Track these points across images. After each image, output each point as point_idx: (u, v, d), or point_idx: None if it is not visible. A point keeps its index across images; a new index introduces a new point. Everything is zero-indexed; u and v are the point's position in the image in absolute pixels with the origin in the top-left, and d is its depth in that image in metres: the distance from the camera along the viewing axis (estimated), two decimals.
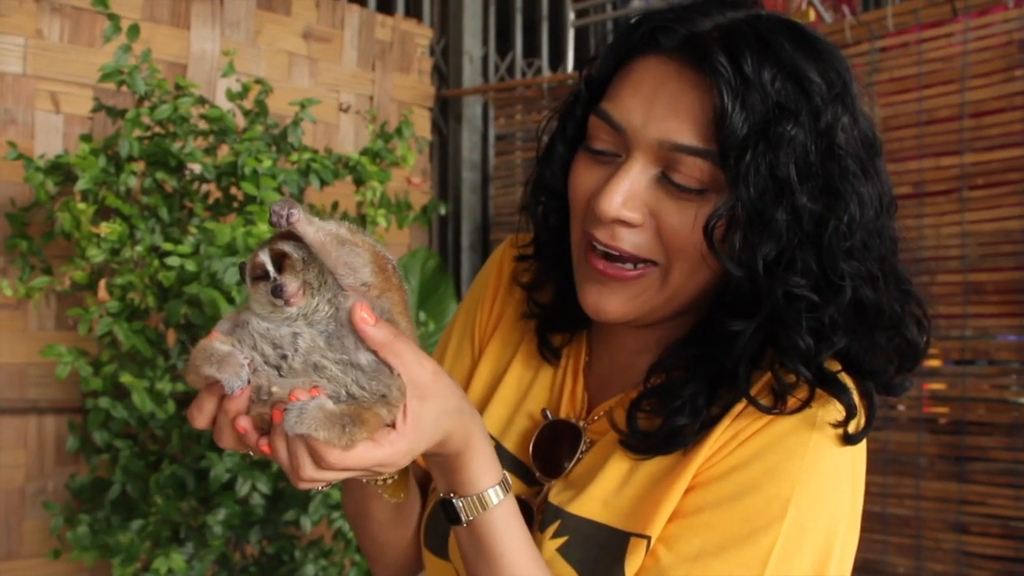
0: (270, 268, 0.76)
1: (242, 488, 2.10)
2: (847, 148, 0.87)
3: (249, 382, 0.76)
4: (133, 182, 2.23)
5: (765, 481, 0.89)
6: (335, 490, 2.24)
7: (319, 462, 0.75)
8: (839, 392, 0.91)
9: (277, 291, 0.76)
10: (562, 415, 1.07)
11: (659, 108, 0.88)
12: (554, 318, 1.10)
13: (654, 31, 0.91)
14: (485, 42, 3.83)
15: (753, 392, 0.92)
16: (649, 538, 0.91)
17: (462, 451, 0.87)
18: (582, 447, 1.03)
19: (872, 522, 2.63)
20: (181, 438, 2.23)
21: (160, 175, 2.27)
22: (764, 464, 0.89)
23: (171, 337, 2.23)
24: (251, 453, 0.82)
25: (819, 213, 0.86)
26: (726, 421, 0.92)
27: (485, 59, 3.84)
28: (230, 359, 0.76)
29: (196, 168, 2.33)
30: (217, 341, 0.78)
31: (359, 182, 2.58)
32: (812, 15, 2.89)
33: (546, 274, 1.10)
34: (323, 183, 2.43)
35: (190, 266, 2.14)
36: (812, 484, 0.88)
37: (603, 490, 0.97)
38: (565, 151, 1.00)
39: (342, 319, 0.78)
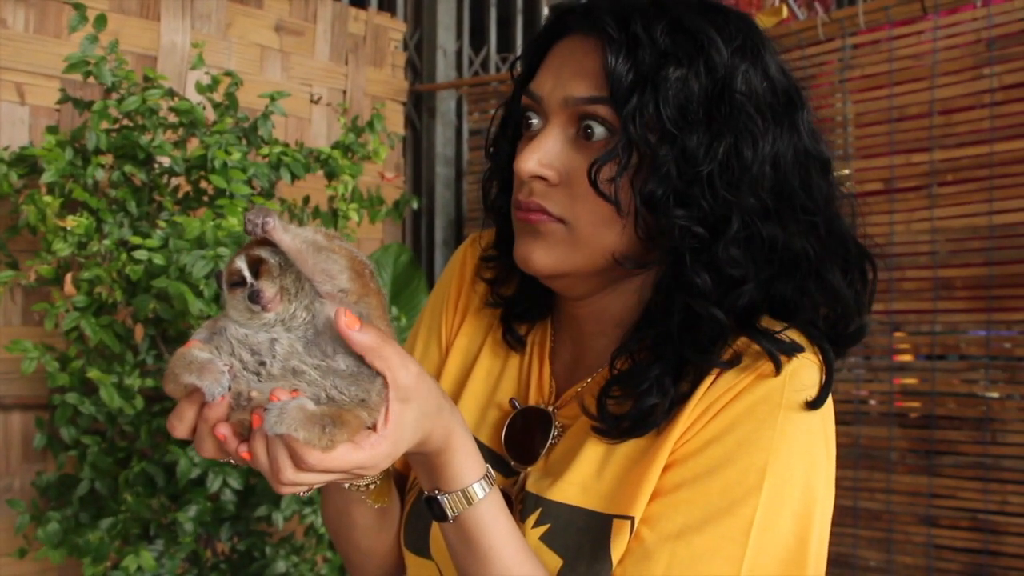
0: (247, 274, 0.77)
1: (213, 484, 2.07)
2: (747, 95, 0.90)
3: (230, 389, 0.76)
4: (101, 175, 2.19)
5: (739, 453, 0.90)
6: None
7: (299, 464, 0.75)
8: (758, 336, 0.93)
9: (254, 297, 0.76)
10: (531, 403, 1.08)
11: (565, 73, 0.94)
12: (517, 307, 1.13)
13: (562, 16, 0.99)
14: (459, 36, 3.82)
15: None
16: (632, 519, 0.92)
17: (443, 448, 0.87)
18: (554, 432, 1.04)
19: (843, 516, 2.65)
20: (150, 434, 2.20)
21: (128, 168, 2.24)
22: (736, 436, 0.90)
23: (139, 332, 2.20)
24: (231, 461, 0.81)
25: (708, 152, 0.89)
26: (696, 396, 0.93)
27: (459, 54, 3.83)
28: (210, 366, 0.76)
29: (165, 161, 2.30)
30: (196, 349, 0.78)
31: (331, 176, 2.55)
32: (785, 12, 2.91)
33: (509, 269, 1.12)
34: (294, 177, 2.41)
35: (158, 260, 2.11)
36: (785, 451, 0.89)
37: (581, 475, 0.97)
38: (508, 144, 1.05)
39: (319, 325, 0.79)
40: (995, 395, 2.52)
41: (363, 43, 3.38)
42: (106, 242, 2.18)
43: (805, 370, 0.93)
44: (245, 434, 0.77)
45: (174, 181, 2.40)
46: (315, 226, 0.80)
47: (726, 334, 0.93)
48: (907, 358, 2.74)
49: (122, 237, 2.20)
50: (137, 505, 2.12)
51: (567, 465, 0.98)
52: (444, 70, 3.72)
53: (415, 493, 1.07)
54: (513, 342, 1.12)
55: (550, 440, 1.03)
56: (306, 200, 2.62)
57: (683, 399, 0.94)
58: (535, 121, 0.98)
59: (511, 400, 1.09)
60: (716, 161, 0.89)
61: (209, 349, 0.78)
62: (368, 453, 0.77)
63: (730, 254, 0.91)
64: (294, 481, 0.77)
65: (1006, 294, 2.43)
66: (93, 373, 2.11)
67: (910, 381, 2.67)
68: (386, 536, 1.10)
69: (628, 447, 0.96)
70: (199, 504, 2.09)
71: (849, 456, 2.64)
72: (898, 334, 2.69)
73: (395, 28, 3.53)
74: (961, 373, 2.56)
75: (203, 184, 2.34)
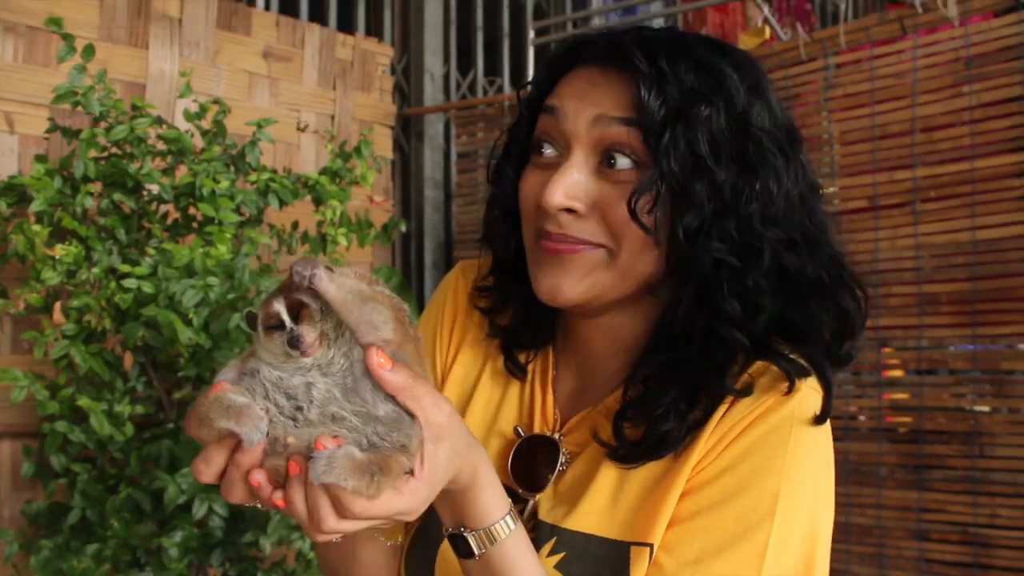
0: (286, 318, 0.75)
1: (199, 510, 2.07)
2: (764, 131, 0.96)
3: (267, 434, 0.75)
4: (89, 203, 2.20)
5: (753, 480, 0.92)
6: None
7: (343, 512, 0.74)
8: (776, 358, 0.96)
9: (294, 342, 0.75)
10: (535, 431, 1.08)
11: (590, 98, 0.97)
12: (518, 336, 1.12)
13: (578, 46, 1.01)
14: (446, 60, 3.85)
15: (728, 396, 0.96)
16: (651, 545, 0.93)
17: (471, 485, 0.87)
18: (562, 460, 1.04)
19: (835, 532, 2.62)
20: (140, 461, 2.20)
21: (117, 196, 2.25)
22: (751, 464, 0.93)
23: (129, 359, 2.20)
24: (259, 506, 0.80)
25: (736, 185, 0.93)
26: (711, 425, 0.95)
27: (446, 77, 3.86)
28: (248, 411, 0.74)
29: (154, 189, 2.31)
30: (231, 392, 0.76)
31: (318, 202, 2.57)
32: (768, 32, 2.94)
33: (505, 297, 1.12)
34: (282, 203, 2.43)
35: (147, 288, 2.12)
36: (795, 477, 0.93)
37: (597, 503, 0.98)
38: (512, 171, 1.05)
39: (357, 372, 0.78)
40: (984, 409, 2.53)
41: (351, 68, 3.41)
42: (95, 270, 2.19)
43: (811, 398, 0.96)
44: (279, 480, 0.76)
45: (163, 208, 2.41)
46: (352, 269, 0.79)
47: (744, 357, 0.96)
48: (898, 373, 2.76)
49: (111, 265, 2.21)
50: (125, 532, 2.11)
51: (581, 493, 0.99)
52: (432, 94, 3.75)
53: (417, 523, 1.06)
54: (515, 370, 1.12)
55: (558, 468, 1.04)
56: (295, 226, 2.64)
57: (697, 426, 0.96)
58: (549, 151, 0.99)
59: (515, 428, 1.09)
60: (748, 196, 0.93)
61: (241, 392, 0.76)
62: (409, 499, 0.76)
63: (759, 284, 0.95)
64: (336, 529, 0.75)
65: (990, 308, 2.45)
66: (83, 401, 2.12)
67: (899, 396, 2.68)
68: (390, 572, 1.09)
69: (643, 474, 0.97)
70: (185, 530, 2.09)
71: (840, 472, 2.63)
72: (886, 350, 2.70)
73: (382, 53, 3.56)
74: (949, 387, 2.58)
75: (192, 211, 2.36)
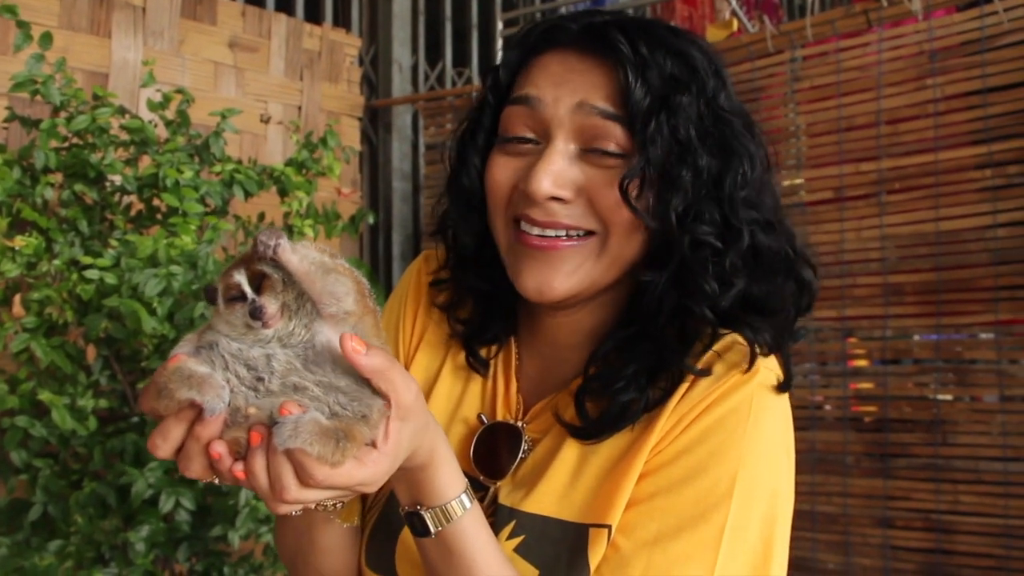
0: (247, 289, 0.75)
1: (165, 504, 2.04)
2: (732, 112, 0.99)
3: (228, 404, 0.74)
4: (50, 194, 2.16)
5: (711, 462, 0.93)
6: (262, 504, 2.19)
7: (306, 480, 0.73)
8: (741, 327, 0.99)
9: (256, 313, 0.74)
10: (499, 417, 1.08)
11: (570, 84, 0.97)
12: (479, 331, 1.12)
13: (550, 30, 1.01)
14: (415, 51, 3.83)
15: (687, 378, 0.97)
16: (609, 527, 0.94)
17: (428, 463, 0.87)
18: (524, 446, 1.04)
19: (801, 520, 2.68)
20: (104, 455, 2.17)
21: (79, 187, 2.21)
22: (708, 446, 0.94)
23: (91, 352, 2.17)
24: (216, 481, 0.79)
25: (717, 169, 0.97)
26: (669, 406, 0.96)
27: (415, 68, 3.84)
28: (210, 380, 0.73)
29: (117, 180, 2.27)
30: (192, 363, 0.75)
31: (283, 193, 2.54)
32: (735, 25, 2.96)
33: (464, 290, 1.12)
34: (247, 194, 2.40)
35: (110, 279, 2.08)
36: (753, 459, 0.93)
37: (555, 485, 0.98)
38: (479, 158, 1.05)
39: (318, 344, 0.77)
40: (947, 397, 2.57)
41: (318, 59, 3.38)
42: (56, 262, 2.15)
43: (770, 380, 0.97)
44: (240, 452, 0.75)
45: (126, 199, 2.37)
46: (313, 243, 0.79)
47: (711, 334, 0.98)
48: (864, 363, 2.79)
49: (73, 256, 2.17)
50: (89, 527, 2.08)
51: (539, 476, 1.00)
52: (400, 85, 3.72)
53: (377, 511, 1.06)
54: (476, 365, 1.12)
55: (520, 455, 1.04)
56: (260, 217, 2.61)
57: (656, 404, 0.97)
58: (523, 140, 0.99)
59: (479, 415, 1.09)
60: (731, 180, 0.97)
61: (201, 363, 0.75)
62: (371, 470, 0.76)
63: (736, 263, 0.98)
64: (297, 499, 0.75)
65: (953, 298, 2.49)
66: (45, 395, 2.07)
67: (864, 385, 2.71)
68: (348, 557, 1.08)
69: (602, 456, 0.98)
70: (152, 525, 2.06)
71: (806, 461, 2.67)
72: (851, 340, 2.73)
73: (350, 43, 3.53)
74: (913, 377, 2.61)
75: (156, 202, 2.32)
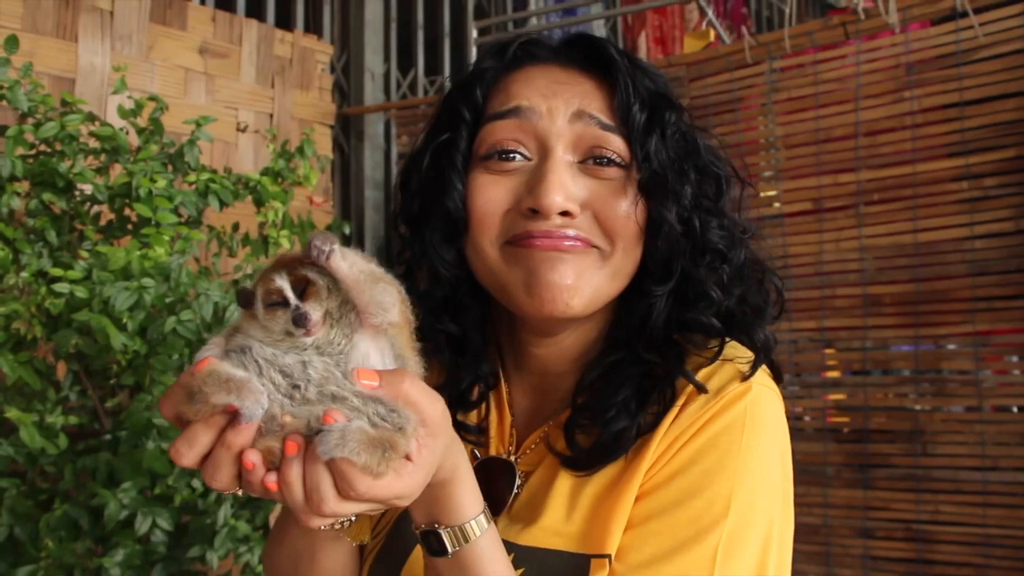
0: (291, 295, 0.72)
1: (142, 526, 1.97)
2: (694, 131, 1.02)
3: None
4: (17, 203, 2.08)
5: (705, 483, 0.91)
6: (242, 523, 2.14)
7: (346, 491, 0.70)
8: (743, 330, 1.01)
9: (300, 320, 0.71)
10: (492, 452, 1.06)
11: (562, 95, 0.96)
12: (463, 394, 1.07)
13: (530, 43, 1.01)
14: (387, 59, 3.79)
15: (678, 400, 0.96)
16: (610, 556, 0.91)
17: (449, 480, 0.84)
18: (519, 480, 1.02)
19: None
20: (75, 474, 2.09)
21: (47, 196, 2.13)
22: (702, 467, 0.92)
23: (61, 368, 2.09)
24: (239, 493, 0.75)
25: (704, 182, 1.00)
26: (662, 429, 0.94)
27: (387, 76, 3.79)
28: (249, 385, 0.70)
29: (87, 189, 2.20)
30: (228, 366, 0.71)
31: (259, 203, 2.48)
32: (712, 35, 2.96)
33: (437, 342, 1.06)
34: (223, 204, 2.33)
35: (80, 292, 2.00)
36: (748, 479, 0.91)
37: (552, 518, 0.96)
38: (459, 179, 0.99)
39: (358, 354, 0.75)
40: (924, 408, 2.59)
41: (290, 66, 3.32)
42: (24, 274, 2.06)
43: (763, 396, 0.95)
44: (273, 463, 0.71)
45: (96, 209, 2.30)
46: (354, 250, 0.76)
47: (707, 347, 0.98)
48: (836, 374, 2.80)
49: (41, 268, 2.09)
50: (60, 551, 2.00)
51: (536, 509, 0.97)
52: (372, 93, 3.68)
53: (382, 536, 1.02)
54: (465, 433, 1.06)
55: (515, 490, 1.01)
56: (235, 227, 2.55)
57: (649, 428, 0.95)
58: (516, 156, 0.96)
59: (472, 451, 1.06)
60: (718, 191, 0.99)
61: (236, 366, 0.72)
62: (406, 482, 0.73)
63: (736, 271, 1.00)
64: (334, 512, 0.71)
65: (932, 310, 2.51)
66: (12, 412, 1.99)
67: (840, 396, 2.72)
68: None
69: (596, 485, 0.95)
70: (127, 547, 1.99)
71: None
72: (827, 351, 2.74)
73: (322, 50, 3.48)
74: (892, 387, 2.63)
75: (127, 212, 2.25)
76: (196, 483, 2.08)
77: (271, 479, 0.71)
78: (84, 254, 2.10)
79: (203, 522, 2.09)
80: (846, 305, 2.62)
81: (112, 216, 2.27)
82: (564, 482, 0.97)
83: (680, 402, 0.95)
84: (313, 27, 3.58)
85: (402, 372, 0.75)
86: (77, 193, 2.22)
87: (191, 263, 2.34)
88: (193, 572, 2.20)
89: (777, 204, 2.75)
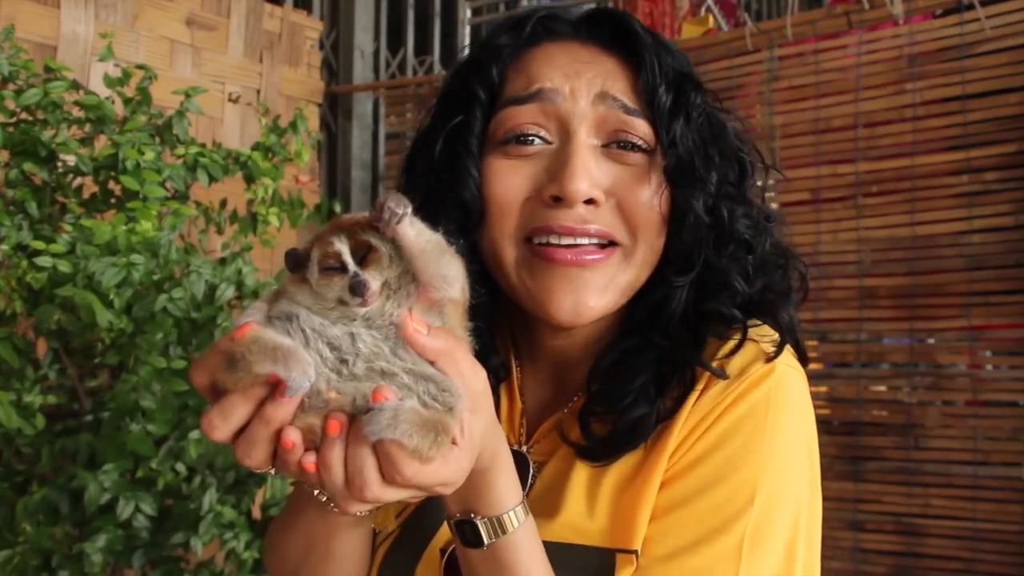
0: (349, 260, 0.66)
1: (124, 510, 1.91)
2: (719, 113, 0.99)
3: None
4: None
5: (729, 470, 0.88)
6: (227, 509, 2.07)
7: (392, 476, 0.65)
8: (767, 311, 0.96)
9: (357, 288, 0.66)
10: None
11: (585, 75, 0.91)
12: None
13: (548, 18, 0.96)
14: (376, 37, 3.72)
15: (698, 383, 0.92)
16: (636, 552, 0.88)
17: (490, 467, 0.78)
18: (532, 472, 0.97)
19: None
20: (52, 456, 2.01)
21: (28, 166, 2.05)
22: (725, 453, 0.88)
23: (42, 346, 2.02)
24: (272, 472, 0.69)
25: (729, 168, 0.96)
26: (683, 414, 0.90)
27: (376, 55, 3.73)
28: (297, 354, 0.64)
29: (70, 160, 2.12)
30: (273, 333, 0.66)
31: (250, 179, 2.41)
32: (711, 21, 2.92)
33: None
34: (212, 179, 2.26)
35: (64, 267, 1.93)
36: (774, 464, 0.88)
37: (571, 512, 0.91)
38: (475, 166, 0.94)
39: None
40: (918, 401, 2.58)
41: (278, 41, 3.24)
42: (3, 247, 1.98)
43: (786, 377, 0.91)
44: (314, 442, 0.66)
45: (79, 181, 2.22)
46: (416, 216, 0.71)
47: (730, 333, 0.94)
48: (818, 366, 2.78)
49: (21, 241, 2.01)
50: (38, 535, 1.93)
51: (553, 503, 0.92)
52: (361, 71, 3.61)
53: (399, 525, 0.98)
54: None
55: (529, 481, 0.96)
56: (223, 204, 2.47)
57: (669, 414, 0.91)
58: (537, 140, 0.92)
59: None
60: (745, 177, 0.95)
61: (283, 333, 0.67)
62: (453, 467, 0.68)
63: (762, 260, 0.96)
64: (377, 498, 0.67)
65: (928, 303, 2.50)
66: None
67: (822, 388, 2.71)
68: (362, 568, 0.98)
69: (616, 475, 0.91)
70: (109, 532, 1.92)
71: None
72: (810, 343, 2.72)
73: (311, 26, 3.40)
74: (885, 380, 2.62)
75: (112, 185, 2.17)
76: (180, 467, 2.01)
77: (310, 460, 0.66)
78: (67, 227, 2.03)
79: (187, 507, 2.02)
80: (842, 296, 2.61)
81: (96, 189, 2.19)
82: (581, 473, 0.93)
83: (700, 385, 0.91)
84: (303, 2, 3.50)
85: (446, 333, 0.70)
86: (60, 164, 2.13)
87: (176, 239, 2.26)
88: (176, 558, 2.14)
89: (772, 193, 2.72)
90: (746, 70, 2.77)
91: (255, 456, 0.67)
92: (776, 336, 0.94)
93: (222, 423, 0.66)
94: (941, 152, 2.48)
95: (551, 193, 0.89)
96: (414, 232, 0.68)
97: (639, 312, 0.97)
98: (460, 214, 0.94)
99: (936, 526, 2.47)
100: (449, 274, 0.70)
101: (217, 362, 0.65)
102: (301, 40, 3.34)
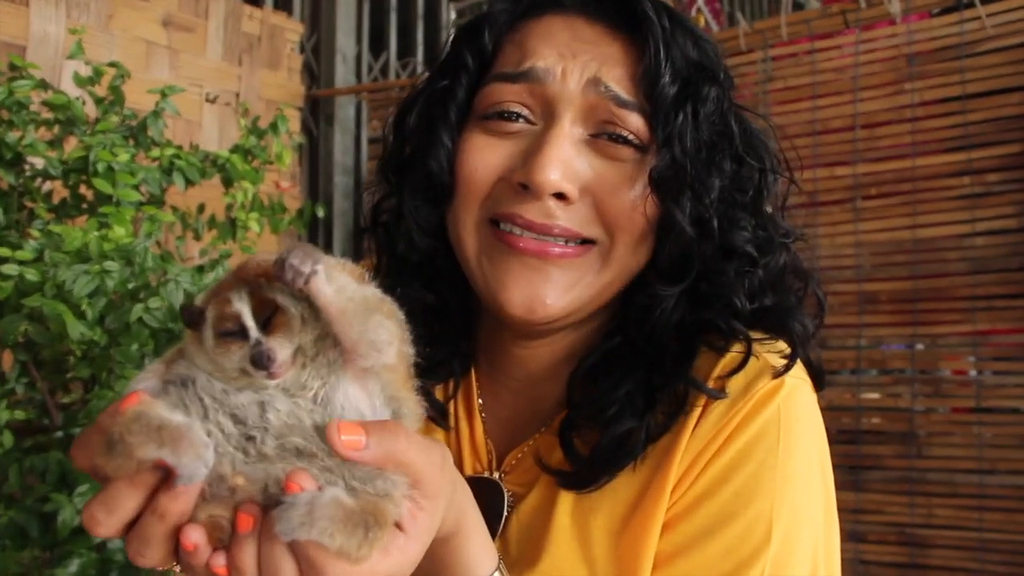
0: (251, 325, 0.54)
1: None
2: (742, 109, 0.90)
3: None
4: None
5: (740, 505, 0.78)
6: None
7: None
8: (776, 319, 0.87)
9: (260, 359, 0.54)
10: (467, 471, 0.91)
11: (581, 56, 0.82)
12: (427, 362, 0.95)
13: None
14: (359, 40, 3.64)
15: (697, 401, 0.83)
16: None
17: (455, 532, 0.68)
18: (508, 502, 0.87)
19: None
20: (20, 475, 1.91)
21: None
22: (734, 486, 0.79)
23: (8, 359, 1.91)
24: (176, 570, 0.57)
25: (741, 173, 0.86)
26: (683, 439, 0.80)
27: (358, 58, 3.65)
28: (188, 435, 0.52)
29: (38, 163, 2.02)
30: (160, 407, 0.54)
31: (228, 183, 2.31)
32: (703, 21, 2.87)
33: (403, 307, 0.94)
34: (188, 182, 2.16)
35: (31, 275, 1.83)
36: (790, 493, 0.79)
37: (559, 559, 0.81)
38: (449, 136, 0.86)
39: (337, 401, 0.57)
40: (919, 408, 2.52)
41: (258, 43, 3.15)
42: None
43: (796, 392, 0.82)
44: (221, 538, 0.55)
45: (48, 186, 2.11)
46: (340, 262, 0.59)
47: (724, 349, 0.84)
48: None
49: None
50: (5, 560, 1.82)
51: (539, 544, 0.82)
52: (343, 75, 3.52)
53: None
54: (434, 415, 0.91)
55: (504, 513, 0.86)
56: (200, 208, 2.38)
57: (662, 432, 0.81)
58: (520, 119, 0.83)
59: None
60: (759, 185, 0.86)
61: (172, 408, 0.54)
62: (397, 558, 0.57)
63: (770, 277, 0.87)
64: None
65: (929, 308, 2.44)
66: None
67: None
68: None
69: (608, 514, 0.81)
70: (82, 556, 1.81)
71: None
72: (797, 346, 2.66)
73: (292, 29, 3.32)
74: (886, 387, 2.55)
75: (83, 189, 2.07)
76: None
77: (219, 562, 0.54)
78: (35, 233, 1.92)
79: None
80: (840, 302, 2.54)
81: (66, 193, 2.09)
82: (565, 508, 0.82)
83: (700, 405, 0.81)
84: (283, 4, 3.41)
85: (395, 427, 0.58)
86: (27, 167, 2.03)
87: (152, 246, 2.16)
88: None
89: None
90: (740, 71, 2.71)
91: (150, 556, 0.55)
92: (783, 347, 0.85)
93: (105, 516, 0.54)
94: (941, 153, 2.43)
95: (519, 179, 0.81)
96: (332, 289, 0.55)
97: (627, 314, 0.88)
98: (426, 186, 0.87)
99: (941, 536, 2.40)
100: (379, 339, 0.57)
101: (97, 443, 0.54)
102: (281, 43, 3.26)
